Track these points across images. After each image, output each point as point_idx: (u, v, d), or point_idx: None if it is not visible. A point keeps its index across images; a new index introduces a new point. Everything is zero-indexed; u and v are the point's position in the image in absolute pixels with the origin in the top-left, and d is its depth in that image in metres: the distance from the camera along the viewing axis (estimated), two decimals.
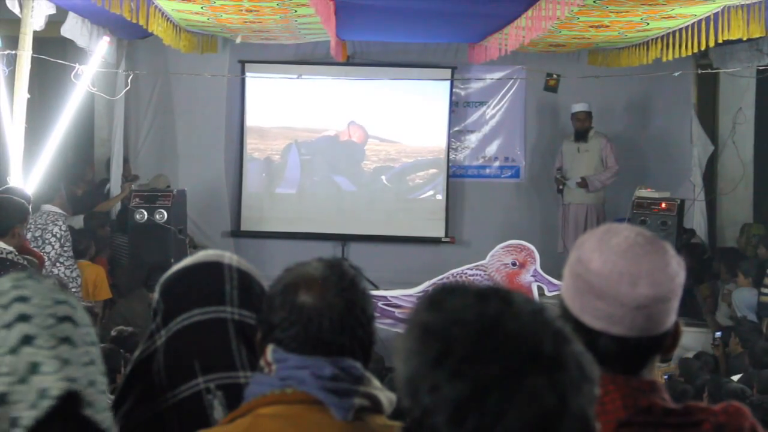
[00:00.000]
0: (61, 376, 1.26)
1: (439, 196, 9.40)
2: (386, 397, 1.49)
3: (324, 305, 1.47)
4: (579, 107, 8.49)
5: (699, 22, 6.08)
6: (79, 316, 1.35)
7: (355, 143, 9.40)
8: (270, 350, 1.48)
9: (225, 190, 9.33)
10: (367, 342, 1.51)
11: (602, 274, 1.44)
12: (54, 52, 7.01)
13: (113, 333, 5.53)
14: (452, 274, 7.10)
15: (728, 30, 5.61)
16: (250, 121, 9.35)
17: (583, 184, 8.36)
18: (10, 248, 4.57)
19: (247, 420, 1.45)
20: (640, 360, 1.48)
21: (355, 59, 9.22)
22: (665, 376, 5.92)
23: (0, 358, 1.25)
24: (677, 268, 1.46)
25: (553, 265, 7.53)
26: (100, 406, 1.30)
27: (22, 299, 1.30)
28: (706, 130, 9.03)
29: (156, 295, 1.73)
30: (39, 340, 1.27)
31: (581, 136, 8.48)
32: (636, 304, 1.42)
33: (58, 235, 6.59)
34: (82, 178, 9.04)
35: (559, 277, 7.61)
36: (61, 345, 1.29)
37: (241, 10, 6.53)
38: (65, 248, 6.66)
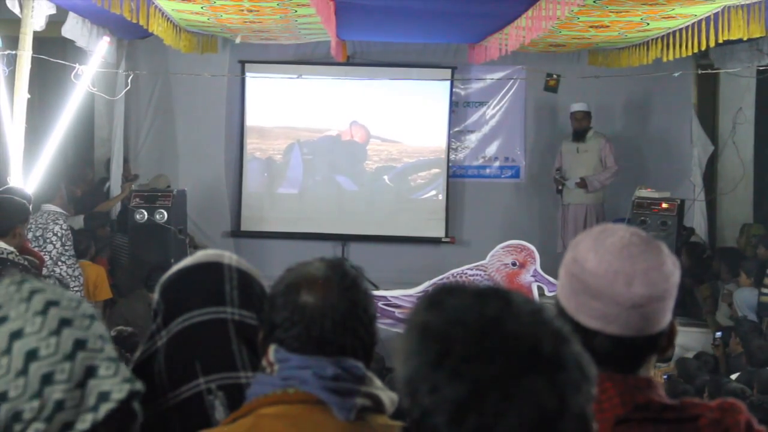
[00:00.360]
0: (121, 379, 1.27)
1: (440, 196, 9.41)
2: (388, 397, 1.50)
3: (326, 305, 1.47)
4: (577, 107, 8.49)
5: (699, 22, 6.08)
6: (96, 318, 1.36)
7: (357, 143, 9.41)
8: (272, 350, 1.49)
9: (225, 190, 9.33)
10: (368, 342, 1.51)
11: (597, 273, 1.45)
12: (54, 52, 7.02)
13: (113, 333, 5.54)
14: (452, 274, 7.10)
15: (728, 30, 5.61)
16: (250, 121, 9.36)
17: (582, 184, 8.36)
18: (11, 248, 4.58)
19: (249, 420, 1.45)
20: (636, 359, 1.49)
21: (356, 59, 9.23)
22: (665, 376, 5.93)
23: (57, 366, 1.25)
24: (672, 267, 1.47)
25: (553, 265, 7.52)
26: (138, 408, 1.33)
27: (54, 303, 1.30)
28: (706, 130, 9.04)
29: (156, 296, 1.73)
30: (89, 343, 1.27)
31: (579, 135, 8.49)
32: (631, 304, 1.43)
33: (59, 234, 6.59)
34: (82, 178, 9.05)
35: (558, 277, 7.60)
36: (105, 344, 1.30)
37: (242, 10, 6.54)
38: (66, 247, 6.66)
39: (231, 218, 9.35)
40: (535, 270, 6.97)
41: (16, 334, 1.25)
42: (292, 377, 1.46)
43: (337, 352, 1.47)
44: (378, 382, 1.51)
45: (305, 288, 1.48)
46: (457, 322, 1.01)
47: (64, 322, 1.27)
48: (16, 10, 5.88)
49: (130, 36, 8.35)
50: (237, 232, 9.31)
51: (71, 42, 6.98)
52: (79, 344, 1.26)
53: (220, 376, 1.63)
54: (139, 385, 1.29)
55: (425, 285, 6.85)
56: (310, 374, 1.45)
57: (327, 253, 8.50)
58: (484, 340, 0.99)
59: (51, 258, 6.44)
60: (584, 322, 1.46)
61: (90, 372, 1.26)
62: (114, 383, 1.26)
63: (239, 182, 9.39)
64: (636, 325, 1.45)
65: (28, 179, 6.18)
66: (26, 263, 4.58)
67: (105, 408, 1.24)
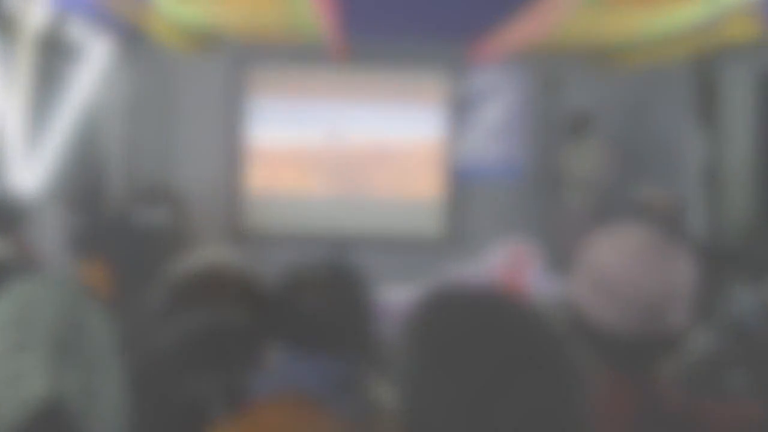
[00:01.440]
0: (46, 385, 1.26)
1: (440, 196, 9.42)
2: (388, 397, 1.50)
3: (327, 306, 1.48)
4: (576, 106, 8.50)
5: (699, 22, 6.08)
6: (89, 322, 1.35)
7: (359, 141, 9.42)
8: (274, 350, 1.49)
9: (225, 190, 9.34)
10: (370, 342, 1.52)
11: (614, 272, 1.46)
12: (54, 52, 7.01)
13: None
14: (452, 275, 7.11)
15: (729, 30, 5.62)
16: (251, 121, 9.37)
17: (582, 185, 8.37)
18: (9, 249, 4.57)
19: (250, 419, 1.45)
20: (650, 359, 1.49)
21: (354, 59, 9.23)
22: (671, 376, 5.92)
23: None
24: (688, 268, 1.48)
25: (554, 265, 7.54)
26: (100, 416, 1.30)
27: (29, 302, 1.30)
28: (706, 130, 9.04)
29: (160, 296, 1.74)
30: (33, 346, 1.27)
31: (579, 136, 8.49)
32: (646, 303, 1.44)
33: (58, 235, 6.59)
34: (81, 179, 9.04)
35: (558, 276, 7.62)
36: (57, 352, 1.28)
37: (241, 11, 6.55)
38: (64, 248, 6.66)
39: (231, 218, 9.36)
40: (535, 270, 6.98)
41: None
42: (293, 377, 1.46)
43: (338, 352, 1.47)
44: (379, 382, 1.51)
45: (306, 288, 1.49)
46: (454, 324, 1.01)
47: (21, 321, 1.28)
48: (17, 10, 5.88)
49: (130, 36, 8.35)
50: (238, 232, 9.32)
51: (71, 42, 6.98)
52: (20, 345, 1.26)
53: (223, 376, 1.63)
54: (63, 396, 1.27)
55: (424, 286, 6.84)
56: (311, 374, 1.45)
57: (327, 253, 8.49)
58: (480, 342, 0.99)
59: (48, 259, 6.43)
60: (599, 320, 1.47)
61: (21, 375, 1.25)
62: (36, 388, 1.25)
63: (240, 183, 9.39)
64: (651, 325, 1.46)
65: (27, 179, 6.18)
66: (24, 264, 4.58)
67: (23, 412, 1.24)
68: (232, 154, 9.41)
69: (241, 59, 9.17)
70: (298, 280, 1.52)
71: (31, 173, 6.27)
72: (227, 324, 1.68)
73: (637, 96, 9.21)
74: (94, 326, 1.34)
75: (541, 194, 9.26)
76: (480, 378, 0.98)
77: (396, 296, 7.12)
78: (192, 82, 8.95)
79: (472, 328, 1.02)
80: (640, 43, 7.45)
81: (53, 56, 6.82)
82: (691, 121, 9.09)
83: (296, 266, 1.56)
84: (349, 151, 9.43)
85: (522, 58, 8.79)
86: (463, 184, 9.50)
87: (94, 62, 6.97)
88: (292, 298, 1.50)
